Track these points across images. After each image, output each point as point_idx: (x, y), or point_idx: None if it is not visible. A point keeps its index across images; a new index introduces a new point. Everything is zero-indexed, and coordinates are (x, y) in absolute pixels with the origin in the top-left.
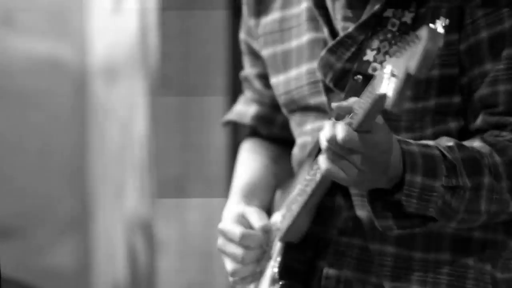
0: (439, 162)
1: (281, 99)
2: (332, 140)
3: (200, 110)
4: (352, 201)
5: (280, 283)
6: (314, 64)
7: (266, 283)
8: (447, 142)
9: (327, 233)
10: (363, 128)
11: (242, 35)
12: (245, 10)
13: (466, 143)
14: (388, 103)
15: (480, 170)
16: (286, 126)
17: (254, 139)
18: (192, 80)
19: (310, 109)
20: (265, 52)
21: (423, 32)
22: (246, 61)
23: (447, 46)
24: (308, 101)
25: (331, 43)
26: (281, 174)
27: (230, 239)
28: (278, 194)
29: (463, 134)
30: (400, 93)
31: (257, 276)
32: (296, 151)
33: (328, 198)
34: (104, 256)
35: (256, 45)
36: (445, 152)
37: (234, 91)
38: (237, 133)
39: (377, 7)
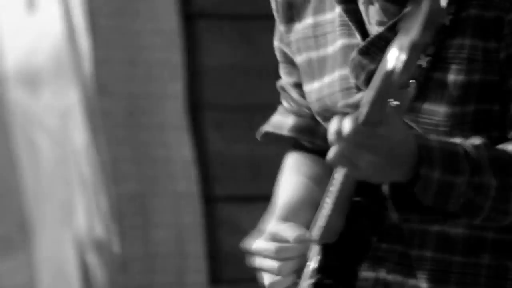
0: (461, 158)
1: (314, 107)
2: (339, 135)
3: (157, 120)
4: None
5: (316, 277)
6: (347, 70)
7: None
8: (474, 141)
9: (366, 239)
10: (371, 119)
11: (276, 43)
12: (276, 16)
13: (499, 146)
14: (396, 77)
15: (510, 171)
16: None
17: (298, 153)
18: (139, 86)
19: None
20: (298, 59)
21: (423, 2)
22: (282, 69)
23: (486, 53)
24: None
25: (361, 44)
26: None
27: (266, 256)
28: None
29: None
30: (408, 63)
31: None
32: None
33: (366, 205)
34: (53, 277)
35: (288, 51)
36: (469, 150)
37: (191, 99)
38: (203, 144)
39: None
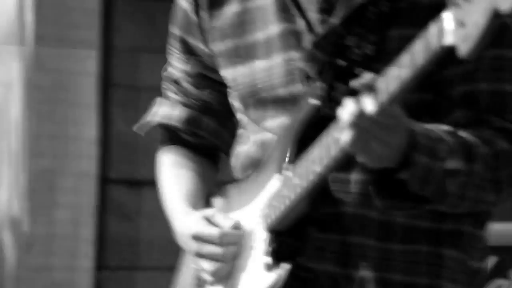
0: (440, 143)
1: (240, 92)
2: (361, 115)
3: (73, 97)
4: (332, 195)
5: (289, 264)
6: (290, 55)
7: (256, 273)
8: (442, 127)
9: (305, 230)
10: (395, 100)
11: (177, 31)
12: (188, 4)
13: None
14: (464, 52)
15: (473, 157)
16: (214, 132)
17: (176, 149)
18: (65, 64)
19: (272, 102)
20: (220, 46)
21: None
22: (177, 59)
23: None
24: (277, 91)
25: (316, 38)
26: (210, 183)
27: (207, 241)
28: (219, 201)
29: None
30: (483, 37)
31: (230, 273)
32: (251, 150)
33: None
34: None
35: (193, 41)
36: (444, 136)
37: (106, 78)
38: (109, 126)
39: (360, 1)
